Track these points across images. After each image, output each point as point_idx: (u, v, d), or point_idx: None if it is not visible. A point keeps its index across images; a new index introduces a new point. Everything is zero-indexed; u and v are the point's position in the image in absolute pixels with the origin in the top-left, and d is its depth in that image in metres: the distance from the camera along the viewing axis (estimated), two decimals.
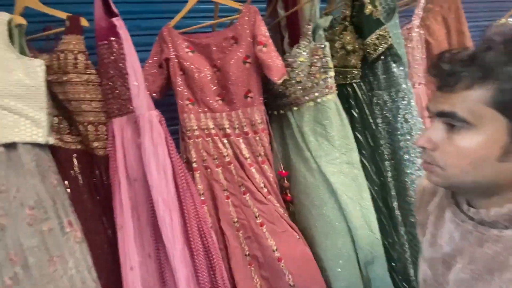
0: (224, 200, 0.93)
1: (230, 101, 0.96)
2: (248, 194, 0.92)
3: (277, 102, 1.06)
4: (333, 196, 0.89)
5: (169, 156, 0.81)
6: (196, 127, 0.96)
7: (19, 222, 0.68)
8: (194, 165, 0.94)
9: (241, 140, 0.95)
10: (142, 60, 0.92)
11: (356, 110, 1.03)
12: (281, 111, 1.06)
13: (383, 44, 1.00)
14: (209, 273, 0.80)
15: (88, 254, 0.78)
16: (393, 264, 0.95)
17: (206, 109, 0.96)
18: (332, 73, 0.96)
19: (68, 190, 0.84)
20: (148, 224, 0.82)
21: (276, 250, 0.85)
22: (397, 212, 1.00)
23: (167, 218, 0.76)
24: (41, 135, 0.78)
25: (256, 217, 0.89)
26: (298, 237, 0.89)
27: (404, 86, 1.04)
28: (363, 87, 1.06)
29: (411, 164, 1.01)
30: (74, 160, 0.89)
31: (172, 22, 0.98)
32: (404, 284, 0.97)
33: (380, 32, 1.00)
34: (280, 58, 0.95)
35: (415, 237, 0.98)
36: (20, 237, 0.67)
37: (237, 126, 0.96)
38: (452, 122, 0.42)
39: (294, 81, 0.99)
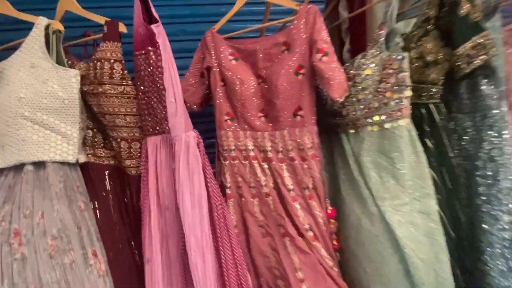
0: (260, 238, 0.79)
1: (275, 118, 0.81)
2: (287, 238, 0.77)
3: (328, 120, 0.88)
4: (398, 254, 0.70)
5: (206, 186, 0.71)
6: (234, 147, 0.83)
7: (40, 253, 0.64)
8: (228, 191, 0.82)
9: (284, 167, 0.80)
10: (187, 68, 0.83)
11: (432, 139, 0.81)
12: (332, 132, 0.88)
13: (481, 56, 0.76)
14: None
15: None
16: None
17: (246, 127, 0.83)
18: (408, 93, 0.76)
19: (98, 212, 0.79)
20: (177, 260, 0.74)
21: None
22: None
23: (199, 261, 0.66)
24: (71, 152, 0.73)
25: (295, 269, 0.74)
26: None
27: (495, 110, 0.79)
28: (442, 110, 0.84)
29: (492, 219, 0.75)
30: (106, 177, 0.83)
31: (217, 26, 0.86)
32: None
33: (480, 40, 0.76)
34: (343, 70, 0.79)
35: None
36: (40, 270, 0.63)
37: (281, 149, 0.81)
38: None
39: (354, 99, 0.81)
